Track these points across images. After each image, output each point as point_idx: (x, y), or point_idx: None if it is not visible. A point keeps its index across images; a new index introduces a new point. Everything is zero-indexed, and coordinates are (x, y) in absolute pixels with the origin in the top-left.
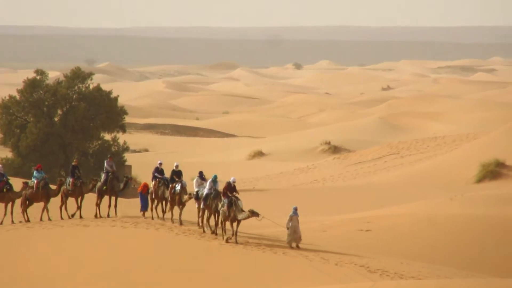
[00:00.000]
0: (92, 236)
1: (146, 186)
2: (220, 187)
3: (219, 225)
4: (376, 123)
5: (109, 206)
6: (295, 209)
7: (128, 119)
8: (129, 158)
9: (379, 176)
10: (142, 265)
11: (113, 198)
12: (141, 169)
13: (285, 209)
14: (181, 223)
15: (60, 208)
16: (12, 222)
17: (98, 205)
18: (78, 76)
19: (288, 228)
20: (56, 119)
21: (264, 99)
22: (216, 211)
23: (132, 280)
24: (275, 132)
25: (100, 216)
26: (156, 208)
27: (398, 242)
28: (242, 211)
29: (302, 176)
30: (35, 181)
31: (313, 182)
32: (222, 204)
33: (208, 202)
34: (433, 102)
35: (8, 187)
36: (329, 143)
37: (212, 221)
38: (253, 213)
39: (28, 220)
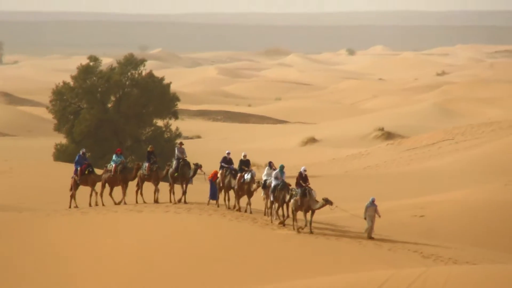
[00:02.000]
0: (145, 221)
1: (216, 174)
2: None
3: (290, 215)
4: (430, 108)
5: (184, 193)
6: (373, 200)
7: (180, 106)
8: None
9: (433, 162)
10: (195, 250)
11: (182, 184)
12: (193, 156)
13: (338, 196)
14: (250, 211)
15: (136, 192)
16: (90, 205)
17: (171, 191)
18: (131, 62)
19: (365, 218)
20: (109, 105)
21: (317, 85)
22: (283, 202)
23: (181, 264)
24: (328, 118)
25: (175, 202)
26: (224, 198)
27: (452, 228)
28: (316, 200)
29: (355, 162)
30: (114, 165)
31: (366, 168)
32: (295, 193)
33: (276, 193)
34: (489, 87)
35: (90, 170)
36: (382, 129)
37: (280, 212)
38: (327, 201)
39: (103, 204)
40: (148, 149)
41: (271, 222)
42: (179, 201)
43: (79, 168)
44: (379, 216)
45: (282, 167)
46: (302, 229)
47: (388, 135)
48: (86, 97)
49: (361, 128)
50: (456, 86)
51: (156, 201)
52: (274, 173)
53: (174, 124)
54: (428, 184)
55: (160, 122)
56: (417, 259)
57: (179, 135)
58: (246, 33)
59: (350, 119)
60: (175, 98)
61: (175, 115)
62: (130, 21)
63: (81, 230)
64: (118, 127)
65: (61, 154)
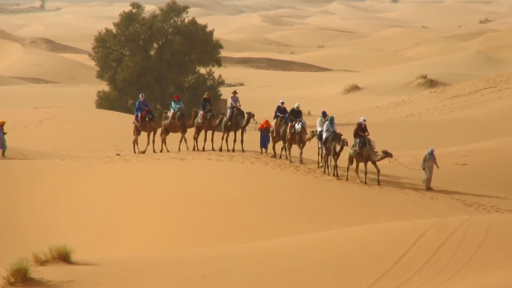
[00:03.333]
0: (187, 169)
1: (266, 123)
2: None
3: (350, 166)
4: (473, 56)
5: (234, 141)
6: (431, 151)
7: (223, 53)
8: (224, 92)
9: (475, 109)
10: (237, 199)
11: (238, 133)
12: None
13: (381, 144)
14: (301, 161)
15: (194, 138)
16: (154, 151)
17: (224, 138)
18: (174, 9)
19: (424, 169)
20: (151, 52)
21: (360, 33)
22: (335, 153)
23: (223, 211)
24: (371, 66)
25: (228, 150)
26: (282, 148)
27: (495, 176)
28: (376, 151)
29: (397, 110)
30: (172, 112)
31: (409, 116)
32: (354, 144)
33: (327, 144)
34: None
35: (150, 116)
36: (425, 77)
37: (332, 163)
38: (387, 154)
39: (168, 150)
40: (204, 96)
41: (325, 172)
42: (232, 150)
43: (139, 114)
44: (437, 167)
45: (332, 118)
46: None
47: (431, 83)
48: (128, 44)
49: (404, 76)
50: (499, 34)
51: (179, 149)
52: (325, 124)
53: (216, 71)
54: (471, 132)
55: (202, 70)
56: (459, 207)
57: (222, 83)
58: None
59: (393, 67)
60: (218, 46)
61: (218, 62)
62: None
63: (123, 177)
64: (160, 74)
65: (103, 101)
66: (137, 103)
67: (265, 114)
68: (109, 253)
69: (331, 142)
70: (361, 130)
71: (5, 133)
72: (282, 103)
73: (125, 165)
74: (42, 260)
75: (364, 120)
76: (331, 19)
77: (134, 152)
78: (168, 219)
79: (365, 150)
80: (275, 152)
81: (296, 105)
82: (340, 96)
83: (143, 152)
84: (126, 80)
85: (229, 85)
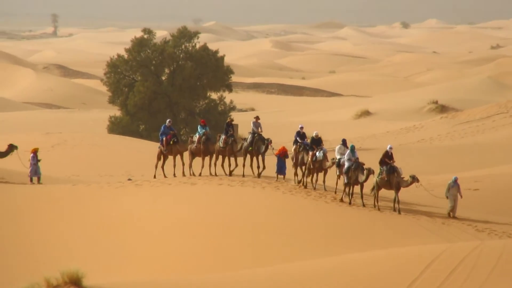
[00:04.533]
0: (198, 194)
1: (283, 149)
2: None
3: (375, 195)
4: (484, 82)
5: (258, 167)
6: (455, 179)
7: (234, 78)
8: (235, 117)
9: (487, 135)
10: (248, 223)
11: (257, 159)
12: (248, 128)
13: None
14: (325, 188)
15: (214, 164)
16: (193, 174)
17: (244, 165)
18: (185, 35)
19: (447, 197)
20: (163, 78)
21: (371, 58)
22: (357, 182)
23: (235, 236)
24: (382, 91)
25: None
26: (303, 174)
27: (507, 202)
28: (403, 178)
29: (409, 135)
30: (198, 136)
31: (420, 141)
32: (380, 172)
33: (350, 174)
34: None
35: (175, 140)
36: (436, 102)
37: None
38: (414, 179)
39: (194, 174)
40: (227, 120)
41: (341, 200)
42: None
43: (164, 139)
44: (461, 196)
45: (353, 147)
46: (377, 207)
47: (442, 108)
48: (140, 69)
49: (415, 101)
50: (510, 60)
51: (230, 173)
52: (346, 153)
53: (228, 96)
54: (482, 157)
55: (214, 95)
56: (471, 232)
57: (233, 108)
58: (300, 6)
59: (404, 92)
60: (229, 71)
61: (229, 87)
62: None
63: (134, 202)
64: (172, 99)
65: (115, 127)
66: (162, 127)
67: (276, 139)
68: (122, 277)
69: (354, 171)
70: (387, 158)
71: (39, 160)
72: (301, 128)
73: (137, 190)
74: (53, 284)
75: (391, 148)
76: (342, 44)
77: (154, 177)
78: (180, 243)
79: (393, 178)
80: (295, 178)
81: (315, 134)
82: (351, 121)
83: (174, 175)
84: (137, 105)
85: (240, 110)
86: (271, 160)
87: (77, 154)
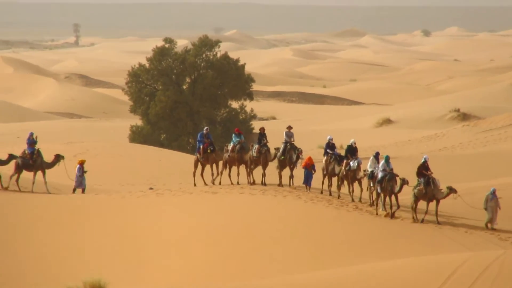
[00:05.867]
0: (219, 203)
1: (309, 160)
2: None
3: (414, 206)
4: (506, 90)
5: (290, 176)
6: (494, 191)
7: (255, 87)
8: (256, 125)
9: (509, 143)
10: (268, 231)
11: (289, 168)
12: (268, 137)
13: (414, 177)
14: (352, 199)
15: (251, 173)
16: (219, 183)
17: (279, 173)
18: (206, 44)
19: (486, 209)
20: (184, 87)
21: (392, 66)
22: (392, 193)
23: (255, 245)
24: (403, 99)
25: (281, 185)
26: (328, 184)
27: None
28: (440, 189)
29: (430, 143)
30: (232, 145)
31: (442, 149)
32: (418, 183)
33: (384, 184)
34: None
35: (211, 148)
36: (458, 110)
37: (387, 202)
38: (452, 190)
39: (232, 183)
40: (259, 130)
41: (376, 213)
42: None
43: (201, 147)
44: (499, 208)
45: (387, 158)
46: (418, 221)
47: (464, 116)
48: (161, 78)
49: (436, 109)
50: None
51: (263, 183)
52: (380, 164)
53: (249, 105)
54: (505, 165)
55: (235, 104)
56: (494, 241)
57: (254, 117)
58: (321, 14)
59: (426, 100)
60: (250, 80)
61: (250, 96)
62: (205, 2)
63: (155, 211)
64: (193, 108)
65: (136, 136)
66: (198, 135)
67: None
68: (144, 286)
69: (388, 182)
70: (424, 169)
71: (85, 172)
72: (331, 139)
73: (158, 199)
74: None
75: (427, 159)
76: (363, 52)
77: (194, 185)
78: (201, 252)
79: (429, 189)
80: (329, 189)
81: (352, 142)
82: (372, 130)
83: (212, 183)
84: (159, 114)
85: (261, 119)
86: (299, 171)
87: (99, 164)
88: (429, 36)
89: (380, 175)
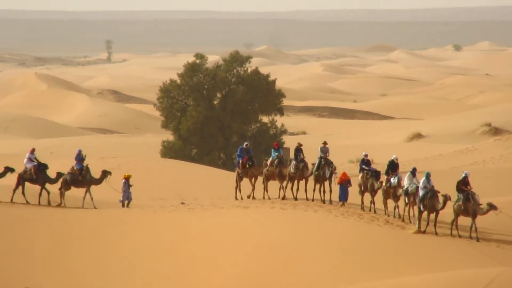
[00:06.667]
0: (250, 217)
1: (344, 176)
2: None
3: (453, 222)
4: None
5: (325, 192)
6: None
7: (285, 102)
8: (287, 140)
9: None
10: (300, 246)
11: (322, 184)
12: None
13: (446, 192)
14: (399, 216)
15: (291, 188)
16: (253, 197)
17: (314, 190)
18: (237, 59)
19: None
20: (215, 102)
21: (423, 81)
22: (433, 210)
23: (286, 260)
24: (434, 114)
25: (310, 199)
26: (371, 201)
27: None
28: (480, 205)
29: (462, 158)
30: (271, 159)
31: (473, 164)
32: (457, 198)
33: (426, 202)
34: None
35: (250, 163)
36: (489, 124)
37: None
38: (492, 206)
39: (269, 198)
40: (296, 146)
41: (423, 231)
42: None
43: (240, 161)
44: None
45: (428, 175)
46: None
47: (496, 131)
48: (192, 94)
49: (468, 123)
50: None
51: (284, 197)
52: (421, 182)
53: (279, 120)
54: None
55: (265, 119)
56: None
57: (284, 132)
58: (351, 29)
59: (457, 114)
60: (280, 95)
61: (280, 111)
62: (236, 18)
63: (187, 226)
64: (224, 123)
65: (168, 151)
66: (238, 150)
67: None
68: None
69: (430, 200)
70: (464, 184)
71: (130, 185)
72: (366, 155)
73: (190, 214)
74: None
75: (468, 175)
76: (393, 67)
77: (236, 198)
78: (232, 267)
79: (469, 205)
80: (365, 206)
81: (394, 157)
82: (403, 144)
83: (248, 197)
84: (190, 129)
85: (292, 134)
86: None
87: (131, 179)
88: (460, 51)
89: (421, 192)
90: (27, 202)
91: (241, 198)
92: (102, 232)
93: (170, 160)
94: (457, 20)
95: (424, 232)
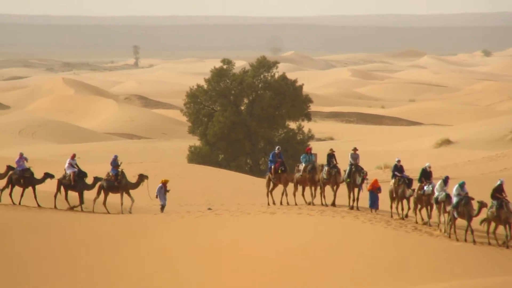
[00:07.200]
0: (277, 223)
1: (375, 183)
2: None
3: (487, 229)
4: None
5: (355, 199)
6: None
7: (313, 108)
8: (314, 146)
9: None
10: (326, 252)
11: (352, 190)
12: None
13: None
14: (429, 224)
15: (321, 194)
16: (287, 203)
17: (349, 196)
18: (264, 65)
19: None
20: (242, 107)
21: (452, 87)
22: (470, 216)
23: (313, 266)
24: (463, 120)
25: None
26: (397, 207)
27: None
28: None
29: (491, 164)
30: (303, 165)
31: (503, 170)
32: (491, 205)
33: (460, 209)
34: None
35: (282, 168)
36: None
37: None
38: (482, 204)
39: (296, 204)
40: (329, 152)
41: (449, 237)
42: (332, 204)
43: (272, 167)
44: None
45: (462, 183)
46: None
47: None
48: (219, 99)
49: (497, 129)
50: None
51: (333, 203)
52: (454, 189)
53: (306, 126)
54: None
55: (292, 124)
56: None
57: (311, 137)
58: (379, 35)
59: (486, 120)
60: (307, 100)
61: (307, 117)
62: (263, 23)
63: (214, 232)
64: (250, 129)
65: (195, 156)
66: (271, 155)
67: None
68: None
69: (464, 207)
70: (499, 192)
71: (167, 191)
72: (399, 161)
73: (217, 220)
74: None
75: (503, 182)
76: (422, 73)
77: (268, 204)
78: (259, 274)
79: (502, 213)
80: (398, 213)
81: (427, 165)
82: (431, 150)
83: (309, 203)
84: (217, 135)
85: (319, 140)
86: (365, 193)
87: (157, 184)
88: (489, 56)
89: (455, 199)
90: (72, 207)
91: (273, 203)
92: (128, 237)
93: (197, 165)
94: (486, 25)
95: (465, 241)
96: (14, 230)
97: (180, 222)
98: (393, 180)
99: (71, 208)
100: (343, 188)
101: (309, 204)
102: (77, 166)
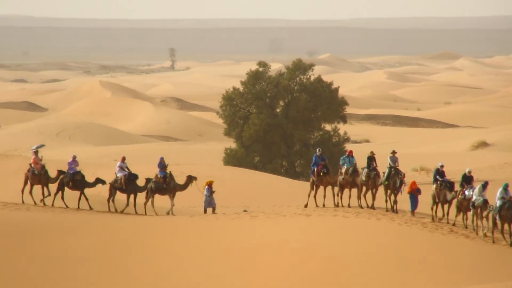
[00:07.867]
0: (313, 225)
1: (413, 185)
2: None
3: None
4: None
5: (394, 201)
6: None
7: (348, 110)
8: (350, 148)
9: None
10: (362, 254)
11: (392, 193)
12: (363, 160)
13: None
14: (466, 226)
15: (364, 196)
16: (323, 205)
17: (386, 200)
18: (299, 67)
19: None
20: (278, 110)
21: (488, 89)
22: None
23: (348, 268)
24: (500, 122)
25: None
26: (436, 211)
27: None
28: None
29: None
30: (345, 168)
31: None
32: None
33: (503, 212)
34: None
35: (325, 171)
36: None
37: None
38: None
39: (342, 205)
40: (369, 154)
41: (493, 242)
42: (372, 207)
43: (315, 169)
44: None
45: (506, 186)
46: None
47: None
48: (255, 102)
49: None
50: None
51: (372, 206)
52: (498, 193)
53: (342, 128)
54: None
55: (328, 127)
56: None
57: (347, 140)
58: (415, 37)
59: None
60: (343, 103)
61: (343, 119)
62: (299, 26)
63: (250, 234)
64: (286, 131)
65: (230, 159)
66: (313, 157)
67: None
68: None
69: (507, 210)
70: None
71: (213, 192)
72: (442, 166)
73: (252, 222)
74: None
75: None
76: (458, 75)
77: (305, 206)
78: (295, 275)
79: None
80: (437, 216)
81: (467, 171)
82: (467, 153)
83: (349, 206)
84: (252, 137)
85: (355, 142)
86: (404, 195)
87: (194, 186)
88: None
89: (498, 203)
90: (118, 211)
91: (316, 206)
92: (162, 239)
93: (233, 167)
94: None
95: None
96: (52, 230)
97: (216, 224)
98: (435, 185)
99: (122, 211)
100: (381, 191)
101: (371, 207)
102: (128, 168)
